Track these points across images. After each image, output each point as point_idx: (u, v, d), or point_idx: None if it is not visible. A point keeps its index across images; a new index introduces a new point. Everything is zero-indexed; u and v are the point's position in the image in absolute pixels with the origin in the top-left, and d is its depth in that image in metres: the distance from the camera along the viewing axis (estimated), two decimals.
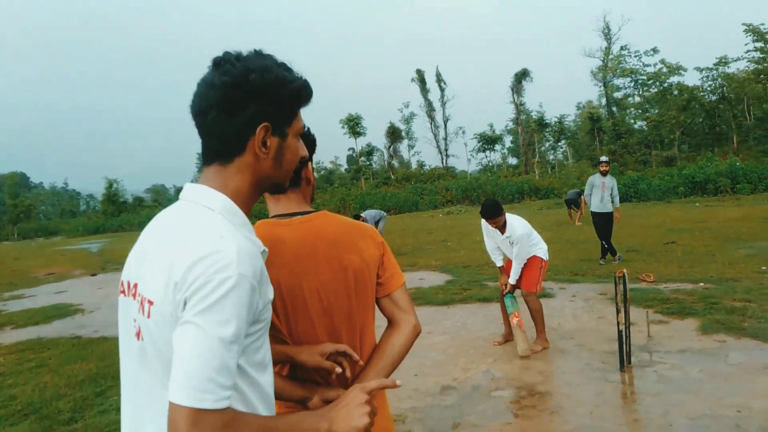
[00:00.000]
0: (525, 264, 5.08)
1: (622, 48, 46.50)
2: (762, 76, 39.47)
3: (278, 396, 1.25)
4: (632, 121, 46.89)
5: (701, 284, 7.01)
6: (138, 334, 1.01)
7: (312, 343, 1.35)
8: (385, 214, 13.88)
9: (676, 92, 41.90)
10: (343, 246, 1.40)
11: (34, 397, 4.76)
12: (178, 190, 1.14)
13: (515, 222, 5.02)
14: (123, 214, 51.89)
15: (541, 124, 48.44)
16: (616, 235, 9.85)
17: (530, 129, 49.43)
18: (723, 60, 40.89)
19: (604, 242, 9.46)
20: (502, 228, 5.03)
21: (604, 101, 49.00)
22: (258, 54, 1.07)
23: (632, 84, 46.76)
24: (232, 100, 1.02)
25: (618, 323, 4.30)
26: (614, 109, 47.94)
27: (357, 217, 11.63)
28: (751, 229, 12.01)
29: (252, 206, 1.12)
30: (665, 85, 43.56)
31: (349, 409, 1.05)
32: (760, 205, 17.73)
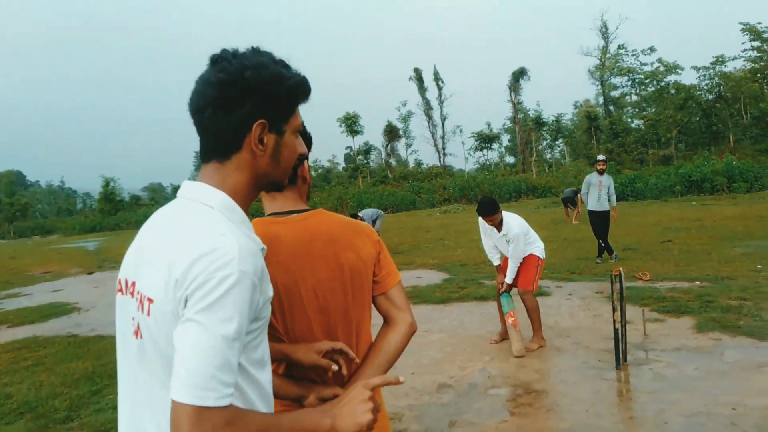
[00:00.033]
0: (522, 262, 5.09)
1: (619, 47, 46.63)
2: (759, 75, 39.60)
3: (274, 394, 1.24)
4: (629, 119, 47.03)
5: (697, 283, 7.03)
6: (137, 333, 1.00)
7: (308, 341, 1.35)
8: (382, 212, 13.87)
9: (673, 91, 42.01)
10: (339, 244, 1.40)
11: (30, 395, 4.75)
12: (176, 188, 1.13)
13: (512, 220, 5.03)
14: (120, 213, 51.80)
15: (539, 122, 48.48)
16: (612, 234, 9.88)
17: (528, 128, 49.46)
18: (720, 59, 41.01)
19: (600, 241, 9.48)
20: (498, 226, 5.04)
21: (601, 100, 49.10)
22: (255, 51, 1.07)
23: (629, 83, 46.90)
24: (228, 97, 1.02)
25: (614, 321, 4.32)
26: (611, 107, 48.05)
27: (354, 216, 11.63)
28: (747, 227, 12.05)
29: (250, 204, 1.12)
30: (662, 84, 43.68)
31: (353, 406, 1.05)
32: (756, 204, 17.79)
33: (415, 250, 13.09)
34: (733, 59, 40.93)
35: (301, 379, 1.38)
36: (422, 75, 54.41)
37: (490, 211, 4.91)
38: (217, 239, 0.94)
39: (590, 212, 9.66)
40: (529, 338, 5.10)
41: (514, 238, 4.96)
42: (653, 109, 44.03)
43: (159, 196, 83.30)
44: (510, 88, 50.18)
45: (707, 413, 3.44)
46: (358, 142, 53.52)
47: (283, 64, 1.08)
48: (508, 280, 5.07)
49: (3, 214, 62.18)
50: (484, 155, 57.65)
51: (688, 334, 5.02)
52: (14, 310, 9.50)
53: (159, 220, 1.06)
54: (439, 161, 55.21)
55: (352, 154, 58.57)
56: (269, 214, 1.42)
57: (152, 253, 1.00)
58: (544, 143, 54.52)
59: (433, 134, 55.00)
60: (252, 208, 1.13)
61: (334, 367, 1.32)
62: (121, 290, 1.08)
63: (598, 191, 9.44)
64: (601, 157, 9.91)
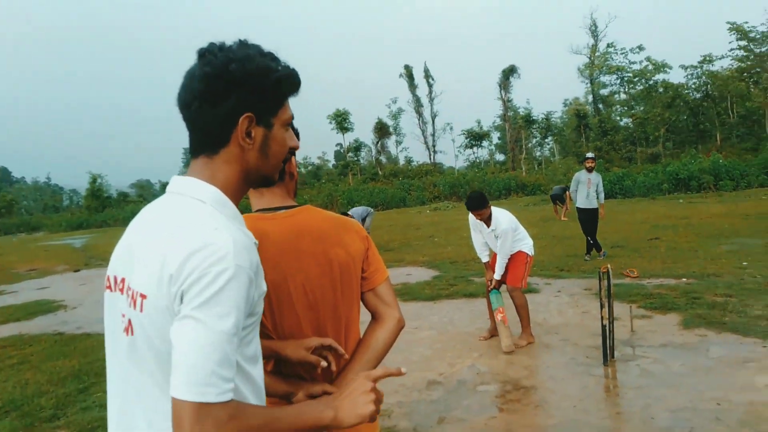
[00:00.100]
0: (511, 259, 5.11)
1: (608, 45, 46.97)
2: (745, 74, 40.06)
3: None
4: (618, 118, 47.40)
5: (684, 279, 7.11)
6: (127, 330, 0.99)
7: (297, 338, 1.35)
8: (372, 210, 13.87)
9: (661, 90, 42.41)
10: (328, 240, 1.40)
11: (16, 394, 4.70)
12: (164, 185, 1.12)
13: (501, 215, 5.06)
14: (107, 210, 51.25)
15: (529, 120, 48.71)
16: (601, 231, 9.95)
17: (517, 125, 49.65)
18: (707, 58, 41.45)
19: (589, 238, 9.55)
20: (487, 221, 5.06)
21: (590, 98, 49.43)
22: (242, 44, 1.06)
23: (618, 81, 47.26)
24: (214, 91, 1.01)
25: (602, 318, 4.35)
26: (600, 106, 48.40)
27: (345, 215, 11.60)
28: (733, 225, 12.19)
29: (241, 199, 1.11)
30: (651, 82, 44.07)
31: (354, 397, 1.05)
32: (742, 202, 18.02)
33: (405, 248, 13.10)
34: (720, 58, 41.43)
35: (289, 375, 1.37)
36: (413, 72, 54.42)
37: (479, 206, 4.93)
38: (211, 234, 0.93)
39: (579, 210, 9.72)
40: (518, 335, 5.13)
41: (503, 233, 4.98)
42: (642, 108, 44.43)
43: (147, 193, 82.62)
44: (500, 86, 50.33)
45: (693, 408, 3.48)
46: (348, 139, 53.48)
47: (271, 57, 1.07)
48: (497, 276, 5.10)
49: None
50: (474, 153, 57.90)
51: (674, 331, 5.07)
52: None
53: (148, 215, 1.05)
54: (430, 159, 55.29)
55: (342, 151, 58.50)
56: (256, 211, 1.41)
57: (143, 248, 0.98)
58: (534, 141, 54.84)
59: (423, 131, 55.07)
60: (240, 206, 1.12)
61: (323, 364, 1.31)
62: (109, 287, 1.07)
63: (586, 189, 9.51)
64: (590, 154, 9.97)
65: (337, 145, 64.10)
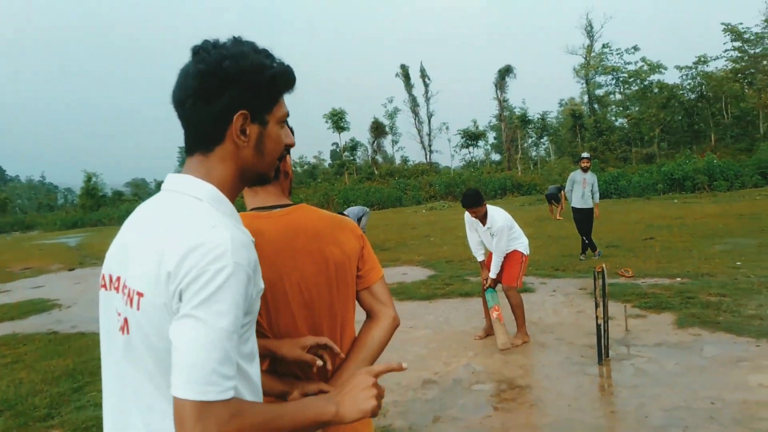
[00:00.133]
0: (506, 258, 5.12)
1: (604, 46, 47.02)
2: (739, 75, 40.25)
3: None
4: (613, 118, 47.48)
5: (678, 279, 7.14)
6: (123, 328, 0.99)
7: (293, 337, 1.34)
8: (368, 210, 13.87)
9: (656, 90, 42.52)
10: (324, 239, 1.39)
11: (9, 393, 4.67)
12: (159, 184, 1.12)
13: (496, 213, 5.06)
14: (102, 209, 50.93)
15: (524, 120, 48.72)
16: (596, 231, 9.98)
17: (513, 125, 49.67)
18: (702, 59, 41.57)
19: (584, 238, 9.57)
20: (483, 219, 5.07)
21: (586, 98, 49.49)
22: (236, 41, 1.05)
23: (614, 82, 47.35)
24: (208, 89, 1.00)
25: (597, 317, 4.37)
26: (596, 106, 48.47)
27: (340, 214, 11.59)
28: (727, 225, 12.25)
29: (236, 197, 1.10)
30: (646, 83, 44.19)
31: (356, 393, 1.05)
32: (736, 202, 18.10)
33: (400, 247, 13.10)
34: (715, 59, 41.55)
35: (285, 375, 1.37)
36: (409, 72, 54.35)
37: (474, 203, 4.93)
38: (208, 231, 0.93)
39: (574, 209, 9.75)
40: (513, 334, 5.14)
41: (499, 231, 4.99)
42: (637, 108, 44.53)
43: (142, 191, 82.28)
44: (496, 86, 50.32)
45: (687, 407, 3.50)
46: (344, 138, 53.39)
47: (265, 54, 1.06)
48: (493, 275, 5.11)
49: None
50: (470, 152, 57.88)
51: (668, 330, 5.09)
52: None
53: (144, 213, 1.04)
54: (426, 158, 55.26)
55: (338, 150, 58.37)
56: (251, 209, 1.41)
57: (139, 246, 0.98)
58: (530, 141, 54.86)
59: (419, 131, 54.98)
60: (234, 204, 1.12)
61: (319, 363, 1.31)
62: (104, 286, 1.06)
63: (582, 188, 9.54)
64: (585, 154, 10.01)
65: (333, 144, 63.96)
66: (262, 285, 1.03)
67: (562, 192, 16.20)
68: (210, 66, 1.00)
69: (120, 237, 1.06)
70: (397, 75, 54.66)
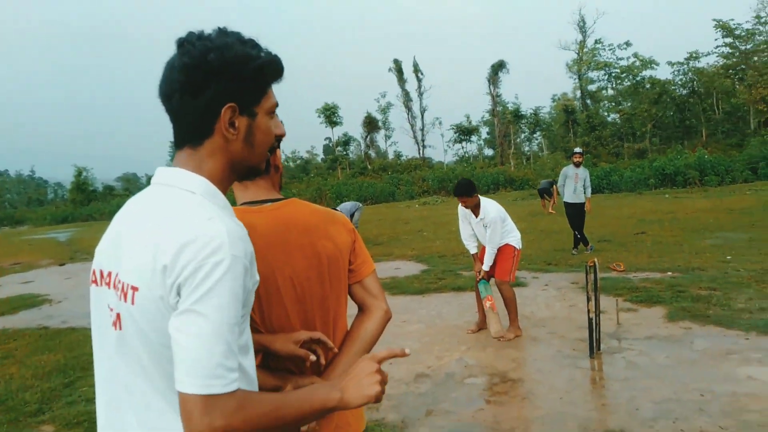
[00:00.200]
0: (498, 252, 5.13)
1: (596, 41, 47.15)
2: (730, 71, 40.54)
3: None
4: (606, 113, 47.70)
5: (669, 273, 7.20)
6: (116, 324, 0.98)
7: (286, 331, 1.34)
8: (360, 205, 13.84)
9: (648, 86, 42.72)
10: (315, 233, 1.39)
11: (0, 389, 4.64)
12: (150, 178, 1.10)
13: (489, 205, 5.07)
14: (92, 203, 50.56)
15: (517, 115, 48.86)
16: (588, 226, 10.03)
17: (506, 120, 49.77)
18: (694, 55, 41.81)
19: (576, 232, 9.62)
20: (475, 210, 5.08)
21: (578, 94, 49.65)
22: (221, 32, 1.03)
23: (606, 77, 47.52)
24: (194, 82, 0.99)
25: (588, 311, 4.39)
26: (588, 101, 48.63)
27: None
28: (718, 220, 12.36)
29: (227, 190, 1.09)
30: (638, 78, 44.37)
31: (360, 379, 1.05)
32: (727, 197, 18.25)
33: (393, 242, 13.11)
34: (706, 55, 41.84)
35: (278, 369, 1.36)
36: (402, 66, 54.27)
37: (466, 192, 4.94)
38: (204, 224, 0.92)
39: (566, 204, 9.79)
40: (506, 328, 5.16)
41: (492, 222, 4.99)
42: (629, 104, 44.74)
43: (133, 186, 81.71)
44: (489, 81, 50.38)
45: (677, 400, 3.53)
46: (337, 133, 53.34)
47: (251, 44, 1.04)
48: (486, 267, 5.11)
49: None
50: (463, 147, 58.01)
51: (659, 323, 5.13)
52: None
53: (135, 207, 1.03)
54: (419, 153, 55.27)
55: (331, 145, 58.26)
56: (242, 204, 1.40)
57: (132, 240, 0.97)
58: (522, 136, 55.04)
59: (412, 126, 54.96)
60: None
61: (312, 357, 1.31)
62: (95, 281, 1.05)
63: (574, 183, 9.57)
64: (577, 149, 10.04)
65: (326, 139, 63.85)
66: (257, 277, 1.02)
67: (555, 186, 16.27)
68: (195, 59, 0.99)
69: (110, 232, 1.05)
70: (390, 70, 54.58)
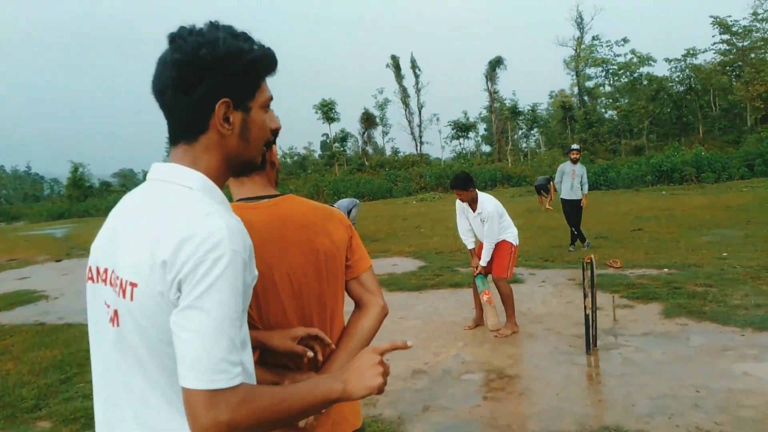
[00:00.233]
0: (495, 249, 5.13)
1: (593, 38, 47.14)
2: (728, 68, 40.57)
3: None
4: (603, 110, 47.73)
5: (665, 270, 7.22)
6: (113, 320, 0.98)
7: (283, 328, 1.34)
8: (358, 201, 13.86)
9: (645, 82, 42.74)
10: (313, 229, 1.39)
11: None
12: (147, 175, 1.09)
13: (486, 199, 5.07)
14: (89, 199, 50.38)
15: (515, 112, 48.79)
16: (585, 222, 10.05)
17: (503, 117, 49.73)
18: (691, 51, 41.83)
19: (573, 229, 9.64)
20: (473, 204, 5.08)
21: (576, 90, 49.65)
22: (212, 26, 1.02)
23: (603, 74, 47.54)
24: (186, 78, 0.98)
25: (585, 308, 4.40)
26: (586, 98, 48.65)
27: None
28: (714, 216, 12.39)
29: (223, 185, 1.09)
30: (635, 75, 44.40)
31: (363, 370, 1.06)
32: (723, 194, 18.29)
33: (391, 238, 13.11)
34: (703, 52, 41.87)
35: (275, 366, 1.37)
36: (399, 62, 54.13)
37: (461, 185, 4.94)
38: (203, 220, 0.92)
39: (563, 201, 9.80)
40: (503, 324, 5.17)
41: (489, 216, 4.98)
42: (626, 100, 44.76)
43: (130, 182, 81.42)
44: (486, 77, 50.29)
45: (672, 396, 3.54)
46: (334, 129, 53.20)
47: (243, 38, 1.03)
48: (483, 262, 5.11)
49: None
50: (460, 144, 58.00)
51: (655, 320, 5.15)
52: None
53: (131, 203, 1.03)
54: (416, 149, 55.20)
55: (328, 141, 58.13)
56: (238, 200, 1.39)
57: (130, 236, 0.96)
58: (520, 132, 55.00)
59: (409, 122, 54.87)
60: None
61: (310, 354, 1.31)
62: (92, 278, 1.05)
63: (571, 180, 9.58)
64: (574, 146, 10.04)
65: (323, 135, 63.66)
66: (256, 271, 1.02)
67: (552, 183, 16.29)
68: (186, 55, 0.97)
69: (106, 228, 1.04)
70: (387, 66, 54.44)
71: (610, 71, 46.56)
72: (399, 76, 54.41)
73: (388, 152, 60.38)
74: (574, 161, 9.63)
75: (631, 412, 3.37)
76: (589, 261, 4.54)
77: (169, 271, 0.89)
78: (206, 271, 0.88)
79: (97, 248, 1.05)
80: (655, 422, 3.22)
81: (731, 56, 40.55)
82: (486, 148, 62.93)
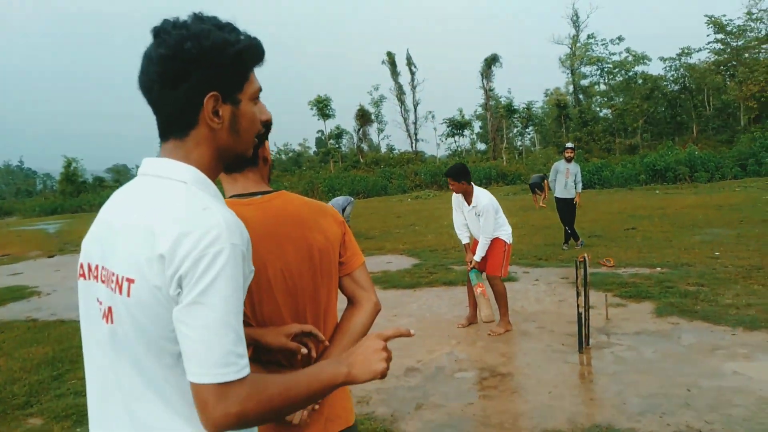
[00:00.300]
0: (488, 247, 5.13)
1: (589, 36, 47.29)
2: (722, 67, 40.77)
3: None
4: (598, 108, 47.87)
5: (658, 269, 7.26)
6: (107, 317, 0.97)
7: (277, 325, 1.34)
8: (352, 199, 13.85)
9: (640, 81, 42.91)
10: (307, 225, 1.39)
11: None
12: None
13: (481, 194, 5.07)
14: (82, 195, 50.08)
15: (510, 110, 48.87)
16: (578, 221, 10.09)
17: (499, 115, 49.79)
18: (686, 50, 42.01)
19: (567, 228, 9.67)
20: (468, 197, 5.08)
21: (571, 89, 49.78)
22: (197, 18, 1.00)
23: (598, 72, 47.68)
24: (172, 73, 0.97)
25: (578, 306, 4.42)
26: (581, 96, 48.79)
27: None
28: (707, 216, 12.46)
29: (215, 179, 1.08)
30: (630, 73, 44.56)
31: (368, 354, 1.07)
32: (716, 194, 18.41)
33: (385, 236, 13.12)
34: (698, 51, 42.10)
35: (268, 362, 1.37)
36: (395, 59, 54.06)
37: (454, 174, 4.96)
38: (200, 214, 0.92)
39: (557, 199, 9.83)
40: (497, 323, 5.18)
41: (484, 209, 4.97)
42: (621, 99, 44.92)
43: (123, 177, 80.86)
44: (482, 75, 50.32)
45: (664, 394, 3.57)
46: (329, 125, 53.08)
47: (229, 29, 1.01)
48: (477, 258, 5.10)
49: None
50: (455, 141, 57.95)
51: (647, 319, 5.18)
52: None
53: (123, 199, 1.02)
54: (411, 147, 55.19)
55: (323, 138, 58.01)
56: (231, 196, 1.39)
57: (124, 232, 0.96)
58: (515, 130, 55.10)
59: (405, 119, 54.82)
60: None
61: (304, 351, 1.31)
62: (83, 275, 1.04)
63: (565, 178, 9.61)
64: (569, 145, 10.07)
65: (319, 131, 63.48)
66: (253, 267, 1.02)
67: (546, 181, 16.33)
68: (171, 49, 0.96)
69: (98, 224, 1.03)
70: (383, 62, 54.37)
71: (605, 70, 46.74)
72: (395, 73, 54.35)
73: (384, 149, 60.32)
74: (569, 160, 9.66)
75: (622, 411, 3.39)
76: (582, 260, 4.55)
77: (168, 266, 0.89)
78: (207, 267, 0.88)
79: (88, 244, 1.04)
80: (646, 420, 3.25)
81: (725, 56, 40.77)
82: (481, 146, 62.97)
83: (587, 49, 47.08)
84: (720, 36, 40.56)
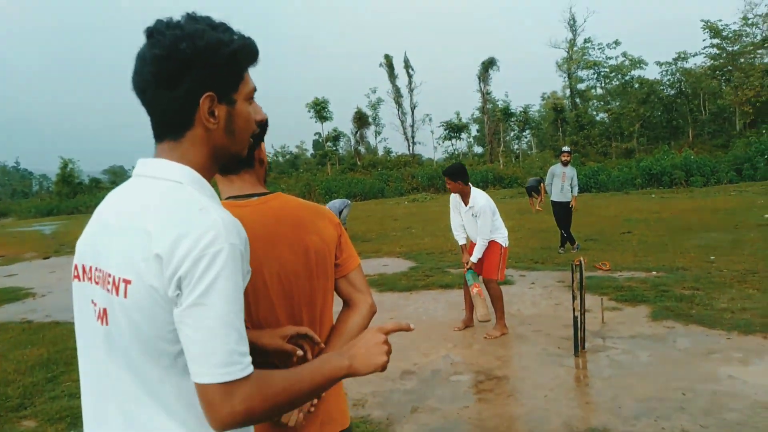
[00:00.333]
0: (485, 249, 5.12)
1: (586, 40, 47.44)
2: (717, 72, 40.95)
3: None
4: (594, 112, 48.02)
5: (653, 273, 7.28)
6: (102, 319, 0.96)
7: (272, 326, 1.34)
8: (349, 202, 13.85)
9: (636, 85, 43.06)
10: (303, 227, 1.39)
11: None
12: None
13: (479, 195, 5.08)
14: (78, 196, 49.86)
15: (507, 113, 48.94)
16: (575, 225, 10.11)
17: (496, 118, 49.86)
18: (682, 55, 42.19)
19: (563, 231, 9.69)
20: (464, 198, 5.09)
21: (568, 92, 49.92)
22: (190, 18, 1.00)
23: (595, 76, 47.84)
24: (167, 74, 0.96)
25: (574, 310, 4.43)
26: (578, 100, 48.93)
27: None
28: (702, 220, 12.51)
29: (210, 180, 1.08)
30: (627, 78, 44.72)
31: (369, 347, 1.08)
32: (712, 198, 18.47)
33: (382, 238, 13.11)
34: (694, 55, 42.25)
35: (264, 364, 1.36)
36: (393, 62, 54.10)
37: (453, 174, 4.97)
38: (198, 215, 0.92)
39: (553, 203, 9.85)
40: (492, 326, 5.19)
41: (481, 210, 4.98)
42: (617, 103, 45.08)
43: (120, 179, 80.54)
44: (479, 78, 50.43)
45: (659, 398, 3.58)
46: (327, 128, 53.01)
47: (223, 29, 1.01)
48: (474, 259, 5.10)
49: None
50: (452, 145, 57.98)
51: (643, 322, 5.19)
52: None
53: (119, 200, 1.01)
54: (408, 150, 55.22)
55: (320, 140, 57.95)
56: (227, 198, 1.39)
57: (120, 233, 0.95)
58: (512, 134, 55.16)
59: (402, 122, 54.88)
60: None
61: (299, 353, 1.31)
62: (78, 276, 1.03)
63: (561, 182, 9.63)
64: (565, 148, 10.10)
65: (316, 134, 63.41)
66: (249, 267, 1.02)
67: (542, 184, 16.37)
68: (165, 50, 0.95)
69: (93, 226, 1.03)
70: (380, 65, 54.42)
71: (602, 74, 46.87)
72: (392, 76, 54.40)
73: (381, 152, 60.30)
74: (565, 163, 9.68)
75: (617, 414, 3.40)
76: (578, 263, 4.56)
77: (166, 267, 0.88)
78: (206, 267, 0.88)
79: (82, 246, 1.04)
80: (641, 424, 3.25)
81: (721, 60, 40.94)
82: (478, 149, 63.06)
83: (584, 53, 47.23)
84: (716, 41, 40.75)
